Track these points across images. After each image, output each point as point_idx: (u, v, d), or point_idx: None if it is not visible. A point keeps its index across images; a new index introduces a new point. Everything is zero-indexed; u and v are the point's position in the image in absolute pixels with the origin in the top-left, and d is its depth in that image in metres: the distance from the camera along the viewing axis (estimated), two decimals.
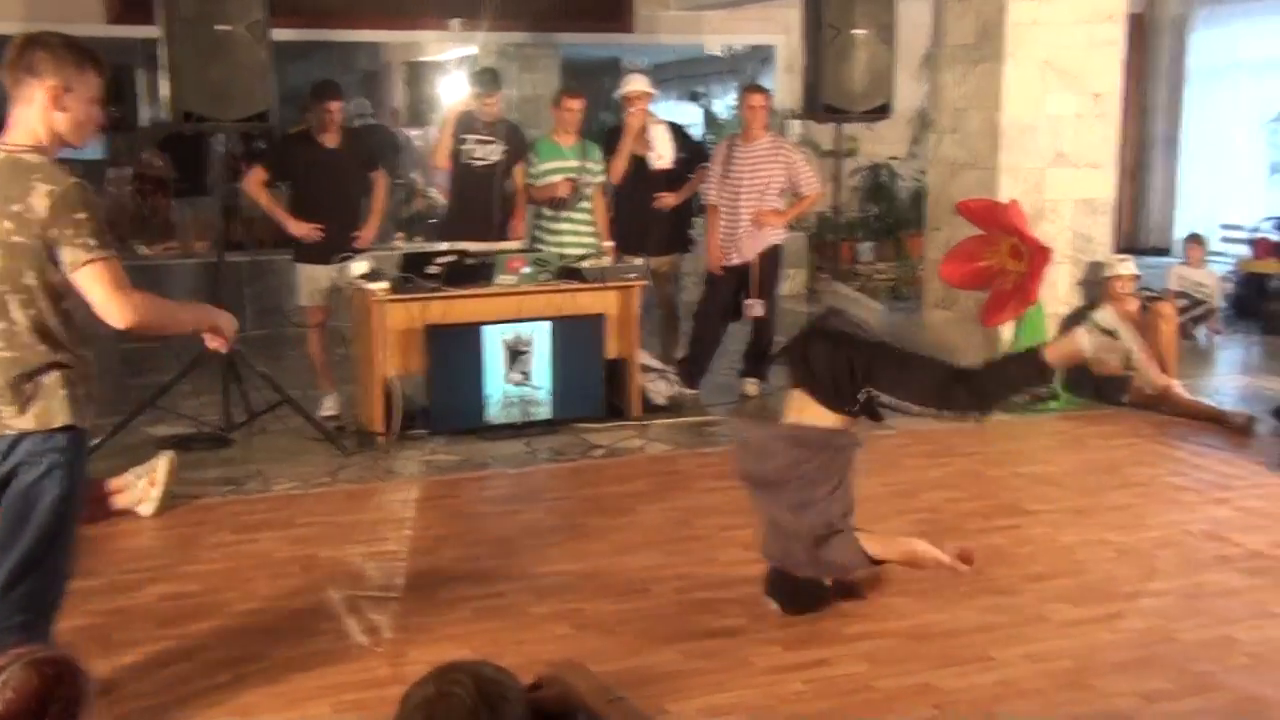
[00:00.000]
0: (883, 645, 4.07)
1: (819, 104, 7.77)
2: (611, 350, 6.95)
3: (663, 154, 7.71)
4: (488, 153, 7.42)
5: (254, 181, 7.12)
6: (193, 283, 9.86)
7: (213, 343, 3.67)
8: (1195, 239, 10.09)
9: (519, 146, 7.57)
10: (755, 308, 7.58)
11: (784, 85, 12.07)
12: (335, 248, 6.95)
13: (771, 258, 7.69)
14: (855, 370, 4.08)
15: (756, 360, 7.81)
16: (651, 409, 7.16)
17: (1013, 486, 5.86)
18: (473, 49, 11.99)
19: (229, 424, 6.69)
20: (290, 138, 7.45)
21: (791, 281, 11.59)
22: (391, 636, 4.20)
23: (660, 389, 7.30)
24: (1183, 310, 9.29)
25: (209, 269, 8.89)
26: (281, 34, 7.17)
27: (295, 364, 7.88)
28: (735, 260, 7.61)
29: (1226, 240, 12.62)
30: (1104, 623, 4.24)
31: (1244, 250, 11.25)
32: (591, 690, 1.84)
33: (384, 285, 6.56)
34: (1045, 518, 5.36)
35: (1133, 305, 7.56)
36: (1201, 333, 9.66)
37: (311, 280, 7.11)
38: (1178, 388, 7.26)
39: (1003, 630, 4.18)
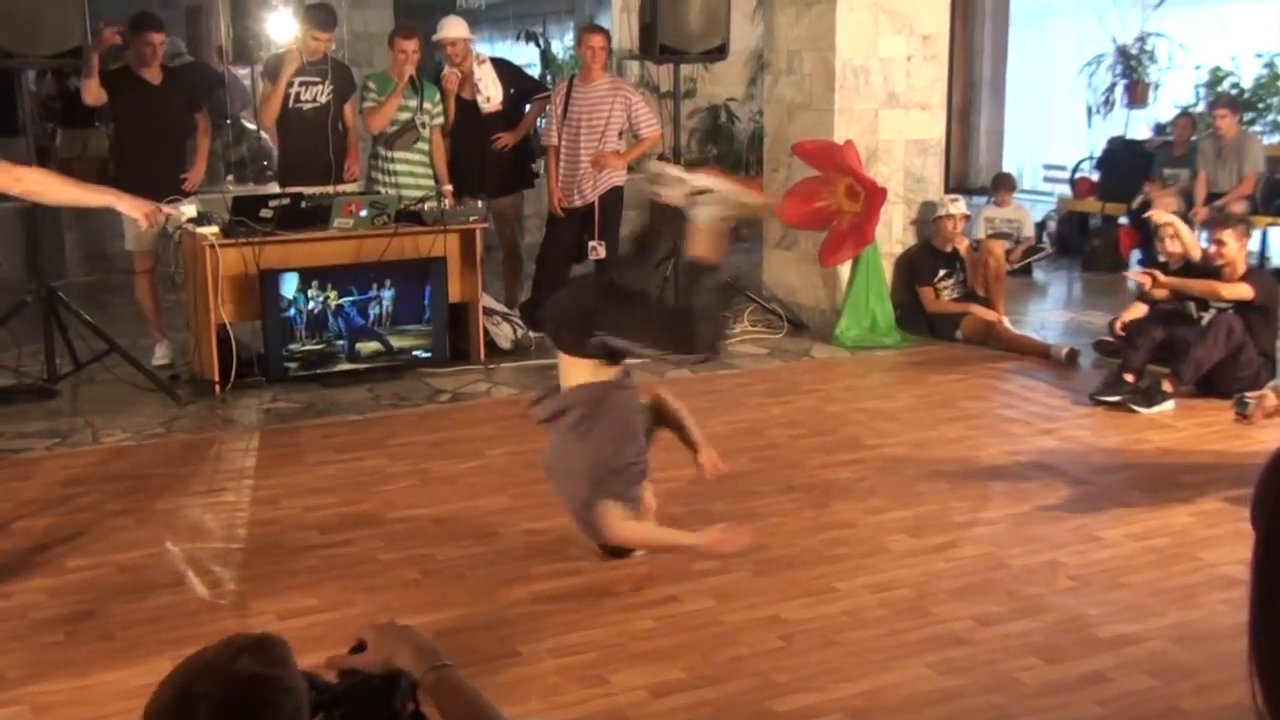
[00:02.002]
0: (730, 580, 4.13)
1: (656, 44, 7.76)
2: (454, 294, 6.86)
3: (491, 96, 7.60)
4: (315, 94, 7.19)
5: (93, 90, 6.75)
6: (8, 228, 9.39)
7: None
8: (1003, 181, 10.31)
9: (347, 85, 7.36)
10: (598, 250, 7.57)
11: (621, 26, 12.01)
12: (162, 189, 6.69)
13: (613, 199, 7.68)
14: (583, 314, 4.07)
15: None
16: (496, 353, 7.12)
17: (853, 422, 6.00)
18: None
19: (53, 375, 6.42)
20: (113, 73, 7.11)
21: (633, 223, 11.61)
22: (235, 589, 4.10)
23: (504, 332, 7.26)
24: (1022, 253, 9.60)
25: (24, 213, 8.48)
26: None
27: (123, 311, 7.59)
28: (577, 202, 7.59)
29: (1049, 180, 13.06)
30: (940, 552, 4.39)
31: (1065, 190, 11.66)
32: (416, 653, 1.67)
33: (214, 230, 6.35)
34: (884, 452, 5.51)
35: (963, 243, 7.79)
36: (1039, 271, 10.01)
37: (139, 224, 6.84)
38: (1006, 323, 7.51)
39: (845, 562, 4.29)
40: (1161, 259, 6.90)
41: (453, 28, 7.61)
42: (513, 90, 7.75)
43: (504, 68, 7.87)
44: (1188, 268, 6.56)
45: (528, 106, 7.84)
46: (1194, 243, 6.71)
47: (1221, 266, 6.21)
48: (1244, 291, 6.08)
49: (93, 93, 6.73)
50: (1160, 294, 6.36)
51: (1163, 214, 6.90)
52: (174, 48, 12.15)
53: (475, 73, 7.57)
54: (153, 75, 6.78)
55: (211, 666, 1.46)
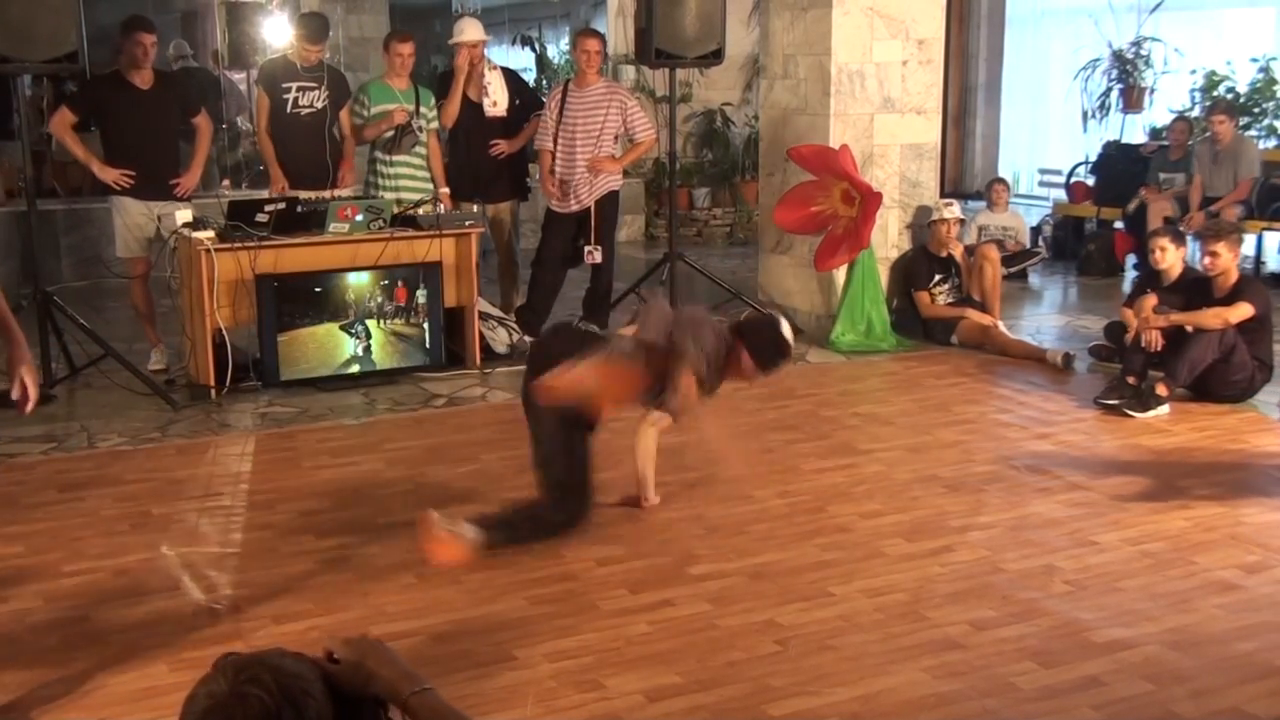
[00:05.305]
0: (726, 585, 4.13)
1: (652, 49, 7.76)
2: (450, 298, 6.86)
3: (497, 101, 7.63)
4: (312, 99, 7.20)
5: (60, 124, 6.79)
6: (4, 233, 9.39)
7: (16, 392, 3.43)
8: (998, 183, 10.27)
9: (342, 90, 7.38)
10: (593, 254, 7.57)
11: (617, 30, 12.03)
12: (154, 190, 6.70)
13: (608, 203, 7.68)
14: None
15: (596, 306, 7.82)
16: (492, 357, 7.12)
17: (848, 426, 6.00)
18: None
19: (49, 379, 6.41)
20: (99, 78, 7.09)
21: (629, 228, 11.63)
22: (231, 593, 4.10)
23: (500, 337, 7.26)
24: (1012, 259, 9.59)
25: (19, 218, 8.48)
26: None
27: (118, 316, 7.59)
28: (573, 206, 7.59)
29: (1044, 184, 13.09)
30: (936, 556, 4.39)
31: (1061, 194, 11.68)
32: (395, 677, 1.64)
33: (210, 234, 6.35)
34: (879, 456, 5.51)
35: (958, 249, 7.80)
36: (1035, 276, 10.01)
37: (132, 229, 6.84)
38: (1002, 328, 7.51)
39: (841, 566, 4.29)
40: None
41: (471, 30, 7.65)
42: (517, 101, 7.77)
43: (512, 78, 7.90)
44: (1186, 274, 6.59)
45: (525, 123, 7.85)
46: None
47: (1215, 277, 6.24)
48: (1247, 312, 6.11)
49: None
50: (1160, 323, 6.29)
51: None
52: (180, 50, 12.20)
53: (485, 76, 7.59)
54: (143, 80, 6.73)
55: (259, 661, 1.55)
